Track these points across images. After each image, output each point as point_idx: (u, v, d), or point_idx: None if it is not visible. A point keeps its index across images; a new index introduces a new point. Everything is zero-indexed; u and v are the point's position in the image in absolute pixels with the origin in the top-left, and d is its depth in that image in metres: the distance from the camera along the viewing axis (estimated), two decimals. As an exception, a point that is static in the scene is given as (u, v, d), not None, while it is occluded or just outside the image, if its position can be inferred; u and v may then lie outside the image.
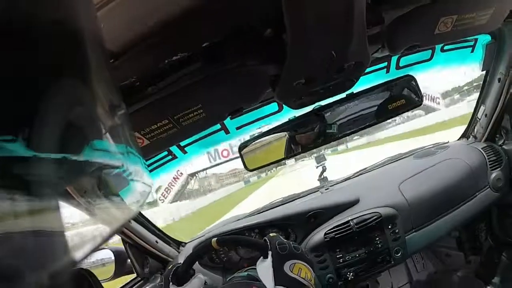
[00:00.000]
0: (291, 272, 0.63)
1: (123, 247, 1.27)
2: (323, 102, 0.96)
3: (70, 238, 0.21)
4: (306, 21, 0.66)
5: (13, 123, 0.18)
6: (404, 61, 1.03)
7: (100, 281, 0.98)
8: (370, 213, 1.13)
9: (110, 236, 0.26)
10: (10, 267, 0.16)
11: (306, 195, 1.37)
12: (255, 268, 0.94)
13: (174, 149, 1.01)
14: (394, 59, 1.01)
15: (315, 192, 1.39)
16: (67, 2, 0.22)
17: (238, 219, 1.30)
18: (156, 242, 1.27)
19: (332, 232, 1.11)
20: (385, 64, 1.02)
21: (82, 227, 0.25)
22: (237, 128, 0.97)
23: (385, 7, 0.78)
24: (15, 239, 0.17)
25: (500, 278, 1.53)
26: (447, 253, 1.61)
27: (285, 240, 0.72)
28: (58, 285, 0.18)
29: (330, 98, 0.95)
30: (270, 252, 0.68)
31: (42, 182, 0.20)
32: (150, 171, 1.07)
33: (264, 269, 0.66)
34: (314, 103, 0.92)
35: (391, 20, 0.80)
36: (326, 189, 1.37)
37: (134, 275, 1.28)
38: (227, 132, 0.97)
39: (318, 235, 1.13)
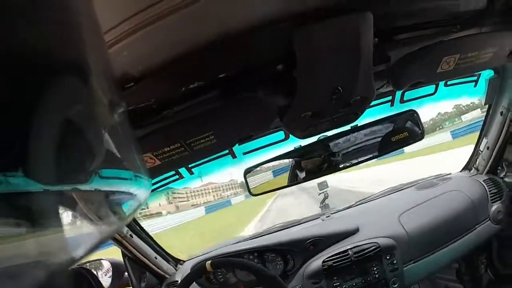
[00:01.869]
0: None
1: (122, 259, 1.28)
2: (329, 133, 0.98)
3: (67, 239, 0.22)
4: (315, 59, 0.69)
5: (14, 156, 0.18)
6: (408, 95, 1.06)
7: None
8: (369, 243, 1.13)
9: (105, 238, 0.26)
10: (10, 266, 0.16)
11: (307, 222, 1.38)
12: None
13: (181, 169, 1.03)
14: (398, 93, 1.04)
15: (316, 219, 1.40)
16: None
17: (238, 242, 1.30)
18: (155, 258, 1.28)
19: (330, 260, 1.11)
20: (390, 98, 1.05)
21: (79, 228, 0.26)
22: (244, 154, 0.99)
23: (391, 46, 0.81)
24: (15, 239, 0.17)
25: None
26: (446, 285, 1.59)
27: None
28: (58, 284, 0.18)
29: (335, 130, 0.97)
30: None
31: (45, 210, 0.21)
32: (156, 189, 1.09)
33: None
34: (319, 133, 0.95)
35: (396, 58, 0.83)
36: (327, 217, 1.38)
37: (131, 289, 1.27)
38: (234, 156, 1.00)
39: (316, 263, 1.13)
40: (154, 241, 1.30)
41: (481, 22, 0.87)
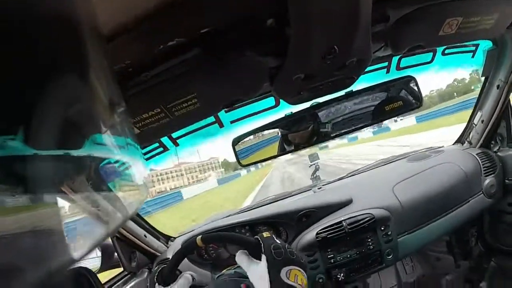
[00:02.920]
0: (288, 279, 0.60)
1: (110, 240, 1.24)
2: (321, 99, 0.94)
3: (68, 236, 0.21)
4: (310, 15, 0.63)
5: (12, 121, 0.18)
6: (405, 62, 1.01)
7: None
8: (363, 214, 1.12)
9: (110, 233, 0.26)
10: (10, 265, 0.16)
11: (299, 194, 1.36)
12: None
13: (165, 140, 0.98)
14: (395, 59, 1.00)
15: (307, 191, 1.38)
16: None
17: (229, 215, 1.28)
18: (145, 236, 1.24)
19: (324, 232, 1.10)
20: (386, 64, 1.00)
21: (81, 224, 0.26)
22: (232, 122, 0.94)
23: (391, 5, 0.76)
24: (14, 237, 0.17)
25: (488, 283, 1.55)
26: (437, 257, 1.61)
27: (280, 243, 0.69)
28: (58, 283, 0.18)
29: (328, 96, 0.93)
30: (263, 256, 0.64)
31: (42, 179, 0.20)
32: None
33: (258, 273, 0.63)
34: (312, 99, 0.90)
35: (396, 18, 0.78)
36: (318, 188, 1.36)
37: (121, 269, 1.25)
38: (221, 125, 0.94)
39: (309, 235, 1.11)
40: (143, 219, 1.26)
41: None
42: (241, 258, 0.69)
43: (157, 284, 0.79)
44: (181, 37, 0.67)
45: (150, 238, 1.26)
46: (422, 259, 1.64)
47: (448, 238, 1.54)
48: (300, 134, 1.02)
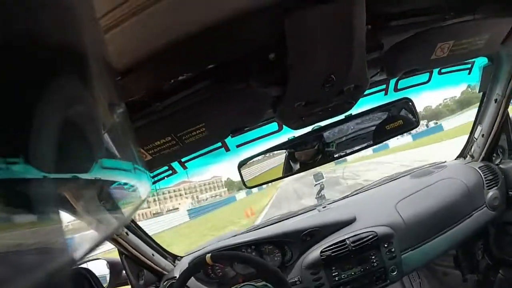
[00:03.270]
0: None
1: (119, 258, 1.27)
2: (323, 123, 0.98)
3: (67, 239, 0.21)
4: (306, 46, 0.68)
5: (16, 144, 0.18)
6: (402, 83, 1.05)
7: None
8: (366, 232, 1.13)
9: (107, 237, 0.26)
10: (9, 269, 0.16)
11: (304, 213, 1.38)
12: (250, 284, 0.95)
13: (174, 164, 1.02)
14: (392, 81, 1.03)
15: (312, 210, 1.40)
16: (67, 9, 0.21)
17: (235, 235, 1.30)
18: (153, 255, 1.27)
19: (328, 250, 1.11)
20: (384, 86, 1.04)
21: (79, 228, 0.26)
22: (237, 146, 0.98)
23: (384, 33, 0.80)
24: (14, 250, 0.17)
25: None
26: (444, 272, 1.60)
27: None
28: (58, 284, 0.18)
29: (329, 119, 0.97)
30: None
31: (48, 200, 0.21)
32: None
33: None
34: (313, 123, 0.94)
35: (390, 45, 0.82)
36: (323, 207, 1.38)
37: (129, 287, 1.27)
38: (227, 149, 0.98)
39: (314, 253, 1.13)
40: (150, 238, 1.29)
41: (474, 9, 0.85)
42: None
43: None
44: (190, 72, 0.72)
45: (158, 257, 1.29)
46: (429, 274, 1.63)
47: (455, 252, 1.54)
48: (306, 152, 1.05)
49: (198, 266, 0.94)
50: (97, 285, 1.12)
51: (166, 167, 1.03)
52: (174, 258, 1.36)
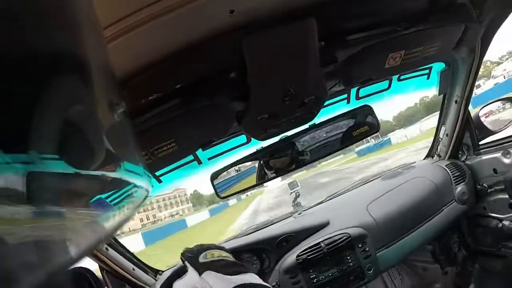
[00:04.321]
0: (206, 258, 0.63)
1: (100, 274, 1.27)
2: (290, 132, 1.03)
3: (67, 238, 0.22)
4: (263, 64, 0.74)
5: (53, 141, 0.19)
6: (363, 91, 1.11)
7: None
8: (340, 234, 1.18)
9: (108, 236, 0.27)
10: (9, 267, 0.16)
11: (280, 221, 1.42)
12: None
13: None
14: (353, 90, 1.10)
15: (288, 217, 1.44)
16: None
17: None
18: (133, 269, 1.27)
19: (304, 254, 1.15)
20: (345, 96, 1.10)
21: (79, 226, 0.26)
22: (209, 159, 1.02)
23: (338, 48, 0.87)
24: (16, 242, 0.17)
25: (476, 284, 1.58)
26: (424, 267, 1.66)
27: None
28: (59, 284, 0.18)
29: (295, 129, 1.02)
30: (186, 262, 0.67)
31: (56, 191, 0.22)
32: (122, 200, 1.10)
33: (187, 275, 0.64)
34: (278, 135, 1.00)
35: (344, 58, 0.88)
36: (299, 214, 1.42)
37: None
38: (199, 162, 1.02)
39: (290, 258, 1.16)
40: (130, 253, 1.30)
41: (425, 19, 0.91)
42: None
43: None
44: (159, 93, 0.78)
45: (139, 272, 1.29)
46: (409, 271, 1.68)
47: (432, 247, 1.60)
48: (281, 161, 1.10)
49: (179, 273, 0.96)
50: (97, 285, 1.13)
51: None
52: (156, 272, 1.36)
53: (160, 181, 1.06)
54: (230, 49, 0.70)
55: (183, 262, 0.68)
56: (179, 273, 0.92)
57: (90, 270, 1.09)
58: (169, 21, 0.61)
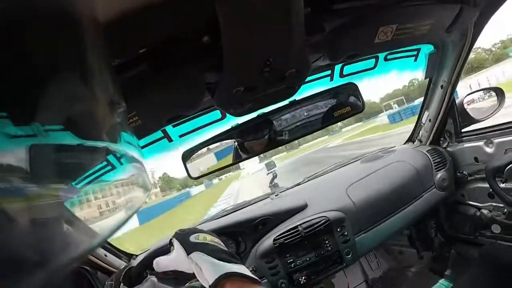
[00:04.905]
0: (198, 239, 0.61)
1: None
2: (267, 109, 0.96)
3: (72, 234, 0.22)
4: (240, 28, 0.65)
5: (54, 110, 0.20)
6: (348, 69, 1.06)
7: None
8: (318, 218, 1.15)
9: (112, 233, 0.26)
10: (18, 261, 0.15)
11: (257, 202, 1.37)
12: None
13: (112, 159, 0.96)
14: (338, 67, 1.04)
15: (265, 199, 1.40)
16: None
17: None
18: (105, 255, 1.21)
19: (281, 237, 1.12)
20: (329, 72, 1.04)
21: (85, 223, 0.26)
22: (180, 136, 0.94)
23: (325, 17, 0.79)
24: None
25: (452, 270, 1.63)
26: (400, 251, 1.69)
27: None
28: (59, 282, 0.17)
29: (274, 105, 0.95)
30: (173, 240, 0.65)
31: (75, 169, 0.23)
32: (90, 182, 1.01)
33: (173, 253, 0.63)
34: (255, 110, 0.92)
35: (330, 28, 0.81)
36: (276, 195, 1.38)
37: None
38: (170, 140, 0.94)
39: (267, 241, 1.13)
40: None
41: None
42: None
43: (122, 284, 0.77)
44: (120, 58, 0.67)
45: (111, 257, 1.22)
46: (386, 254, 1.71)
47: (409, 232, 1.62)
48: (258, 142, 1.04)
49: (159, 252, 0.91)
50: (97, 284, 1.08)
51: (105, 162, 0.97)
52: (129, 257, 1.30)
53: (121, 163, 0.97)
54: (202, 9, 0.60)
55: (171, 241, 0.66)
56: (164, 251, 0.87)
57: (90, 270, 1.05)
58: None
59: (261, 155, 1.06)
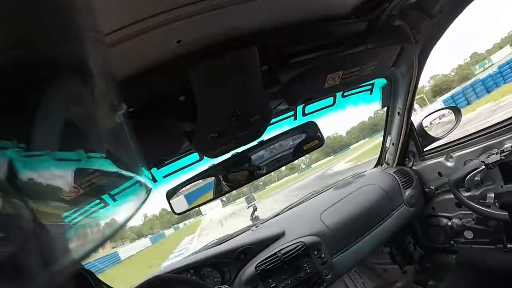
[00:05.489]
0: None
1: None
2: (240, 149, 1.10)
3: (72, 238, 0.24)
4: (208, 88, 0.82)
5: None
6: (309, 108, 1.22)
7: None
8: (295, 243, 1.24)
9: (111, 235, 0.28)
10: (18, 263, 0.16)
11: (239, 235, 1.47)
12: None
13: (106, 197, 1.06)
14: (300, 107, 1.20)
15: (246, 231, 1.49)
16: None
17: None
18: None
19: (262, 264, 1.20)
20: (292, 113, 1.20)
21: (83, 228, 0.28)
22: (164, 177, 1.06)
23: (281, 71, 0.96)
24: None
25: (435, 280, 1.68)
26: (384, 268, 1.75)
27: None
28: (60, 284, 0.18)
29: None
30: None
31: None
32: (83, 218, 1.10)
33: None
34: (229, 152, 1.06)
35: (286, 80, 0.97)
36: (256, 227, 1.47)
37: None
38: (155, 180, 1.06)
39: (250, 269, 1.21)
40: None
41: (362, 42, 1.01)
42: None
43: None
44: None
45: None
46: (370, 273, 1.76)
47: (389, 249, 1.70)
48: (241, 174, 1.16)
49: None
50: (97, 285, 1.09)
51: (98, 200, 1.06)
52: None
53: (114, 200, 1.07)
54: (178, 76, 0.76)
55: None
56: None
57: (90, 271, 1.07)
58: (119, 51, 0.66)
59: (224, 198, 1.17)
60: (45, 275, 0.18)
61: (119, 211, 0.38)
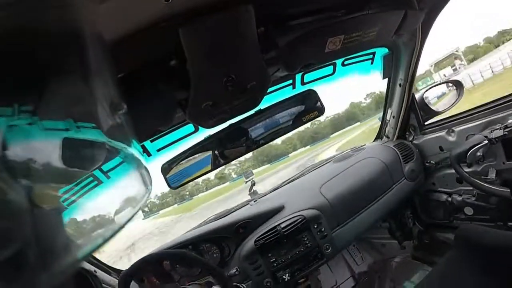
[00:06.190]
0: None
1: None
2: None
3: (75, 237, 0.23)
4: (202, 51, 0.75)
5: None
6: (308, 77, 1.16)
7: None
8: (294, 217, 1.22)
9: (113, 235, 0.27)
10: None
11: (237, 210, 1.44)
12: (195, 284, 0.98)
13: (97, 173, 1.02)
14: (298, 76, 1.14)
15: (245, 205, 1.47)
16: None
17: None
18: (95, 271, 1.23)
19: (261, 238, 1.18)
20: (291, 81, 1.14)
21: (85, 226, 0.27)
22: (158, 150, 1.01)
23: (278, 34, 0.89)
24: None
25: (433, 255, 1.71)
26: (382, 244, 1.76)
27: None
28: (61, 284, 0.18)
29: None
30: None
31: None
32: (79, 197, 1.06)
33: None
34: (225, 121, 1.01)
35: (284, 44, 0.91)
36: (254, 201, 1.45)
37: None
38: (149, 154, 1.01)
39: (249, 243, 1.19)
40: (92, 255, 1.26)
41: (364, 5, 0.95)
42: None
43: None
44: None
45: (101, 273, 1.25)
46: (368, 248, 1.78)
47: (388, 224, 1.70)
48: (238, 150, 1.12)
49: (153, 260, 0.96)
50: (97, 285, 1.09)
51: (91, 178, 1.02)
52: (119, 273, 1.33)
53: (108, 177, 1.03)
54: (168, 38, 0.70)
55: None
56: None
57: (90, 271, 1.07)
58: (105, 11, 0.60)
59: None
60: (45, 275, 0.17)
61: (114, 190, 0.40)
